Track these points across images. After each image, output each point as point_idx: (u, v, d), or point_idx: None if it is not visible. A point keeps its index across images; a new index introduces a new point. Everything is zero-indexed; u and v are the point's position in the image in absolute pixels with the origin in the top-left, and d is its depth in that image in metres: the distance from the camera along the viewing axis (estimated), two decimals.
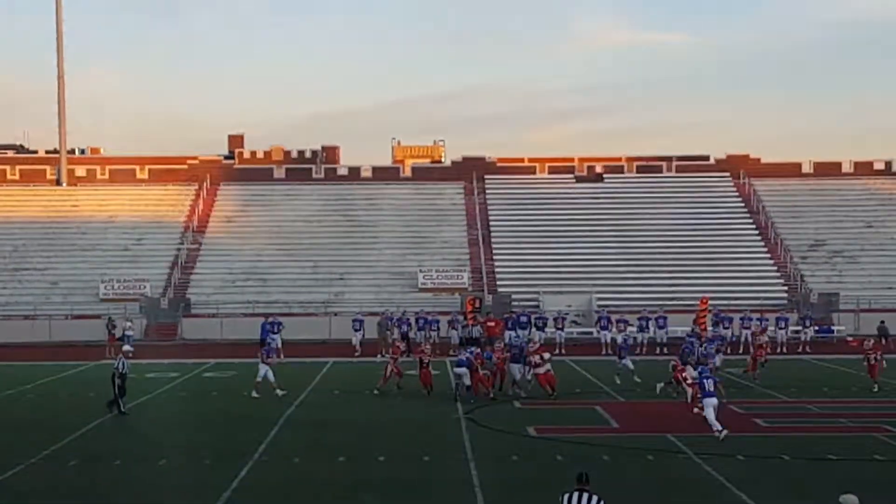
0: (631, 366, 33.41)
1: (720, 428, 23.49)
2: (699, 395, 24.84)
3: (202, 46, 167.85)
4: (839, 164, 65.27)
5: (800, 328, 46.36)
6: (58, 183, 64.96)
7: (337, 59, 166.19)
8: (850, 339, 40.57)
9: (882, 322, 45.92)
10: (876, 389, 31.42)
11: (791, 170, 65.04)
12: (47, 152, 76.79)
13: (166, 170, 65.40)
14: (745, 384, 32.43)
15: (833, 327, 49.59)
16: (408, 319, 45.10)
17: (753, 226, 59.72)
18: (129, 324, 45.31)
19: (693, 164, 66.14)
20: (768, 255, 57.00)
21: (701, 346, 33.60)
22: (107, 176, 65.10)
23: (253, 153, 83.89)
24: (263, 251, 57.76)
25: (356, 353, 43.54)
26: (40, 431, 25.11)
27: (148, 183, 64.62)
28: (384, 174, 66.31)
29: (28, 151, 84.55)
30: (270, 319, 44.25)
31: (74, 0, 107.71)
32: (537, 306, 50.56)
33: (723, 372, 32.13)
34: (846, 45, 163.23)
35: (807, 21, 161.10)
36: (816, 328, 47.34)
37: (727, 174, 64.63)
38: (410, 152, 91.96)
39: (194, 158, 66.70)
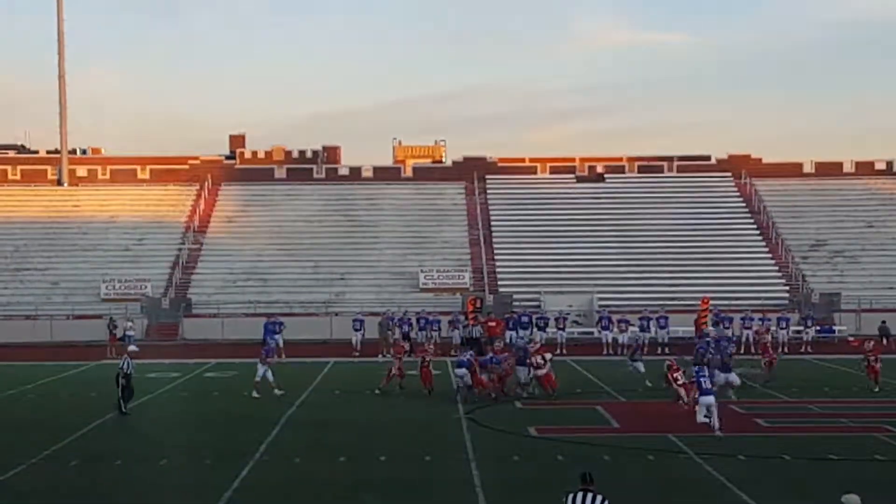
0: (642, 369, 33.23)
1: (717, 427, 23.64)
2: (695, 395, 24.88)
3: (202, 46, 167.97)
4: (840, 165, 65.25)
5: (801, 328, 46.37)
6: (59, 183, 64.98)
7: (337, 59, 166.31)
8: (851, 339, 40.54)
9: (883, 322, 45.93)
10: (877, 390, 31.42)
11: (792, 170, 65.03)
12: (48, 152, 76.79)
13: (167, 170, 65.41)
14: (751, 385, 32.25)
15: (834, 327, 49.57)
16: (409, 319, 45.12)
17: (755, 226, 59.71)
18: (129, 324, 45.34)
19: (694, 165, 66.13)
20: (769, 255, 56.98)
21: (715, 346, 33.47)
22: (108, 176, 65.13)
23: (254, 153, 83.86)
24: (264, 251, 57.77)
25: (355, 353, 43.56)
26: (41, 431, 25.13)
27: (149, 183, 64.64)
28: (385, 174, 66.31)
29: (29, 151, 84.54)
30: (272, 319, 44.32)
31: (74, 0, 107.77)
32: (538, 306, 50.56)
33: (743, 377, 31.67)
34: (846, 45, 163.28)
35: (807, 21, 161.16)
36: (818, 328, 47.34)
37: (728, 174, 64.61)
38: (411, 152, 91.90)
39: (195, 158, 66.71)
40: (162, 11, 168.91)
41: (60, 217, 61.33)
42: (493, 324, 44.35)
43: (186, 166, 65.58)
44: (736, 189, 63.41)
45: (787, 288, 53.91)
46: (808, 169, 65.18)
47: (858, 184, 63.72)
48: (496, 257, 57.35)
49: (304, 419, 27.27)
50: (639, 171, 65.33)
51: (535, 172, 65.75)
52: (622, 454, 22.05)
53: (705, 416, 24.21)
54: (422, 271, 54.65)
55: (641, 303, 48.78)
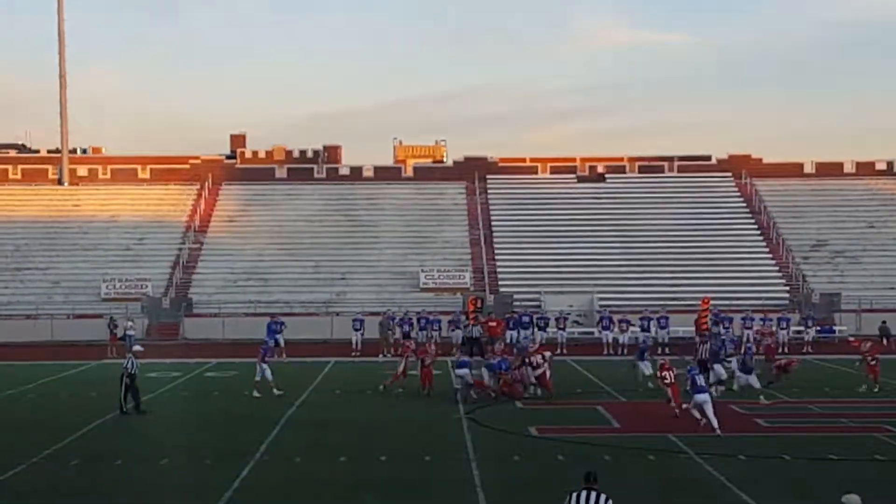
0: (647, 371, 32.87)
1: (715, 425, 23.67)
2: (690, 391, 24.88)
3: (202, 46, 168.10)
4: (841, 165, 65.25)
5: (802, 328, 46.36)
6: (59, 182, 65.00)
7: (337, 58, 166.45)
8: (851, 339, 40.53)
9: (884, 322, 45.95)
10: (876, 390, 31.43)
11: (793, 170, 65.03)
12: (49, 152, 76.87)
13: (168, 169, 65.43)
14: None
15: (835, 327, 49.57)
16: (410, 319, 45.11)
17: (755, 226, 59.70)
18: (130, 323, 45.32)
19: (695, 165, 66.14)
20: (770, 256, 56.98)
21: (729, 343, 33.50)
22: (108, 175, 65.15)
23: (255, 153, 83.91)
24: (265, 251, 57.77)
25: (354, 353, 43.56)
26: (41, 431, 25.13)
27: (149, 182, 64.65)
28: (386, 174, 66.31)
29: (30, 151, 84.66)
30: (275, 319, 44.32)
31: (74, 0, 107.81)
32: (539, 306, 50.55)
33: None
34: (846, 45, 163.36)
35: (807, 21, 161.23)
36: (818, 328, 47.34)
37: (729, 174, 64.60)
38: (412, 152, 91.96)
39: (196, 158, 66.72)
40: (162, 11, 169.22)
41: (61, 216, 61.33)
42: (494, 324, 44.34)
43: (187, 166, 65.59)
44: (736, 189, 63.40)
45: (788, 288, 53.91)
46: (808, 169, 65.17)
47: (859, 184, 63.71)
48: (497, 257, 57.35)
49: (305, 419, 27.27)
50: (639, 171, 65.32)
51: (536, 172, 65.75)
52: (623, 454, 22.05)
53: (696, 411, 24.23)
54: (422, 271, 54.65)
55: (642, 303, 48.78)
